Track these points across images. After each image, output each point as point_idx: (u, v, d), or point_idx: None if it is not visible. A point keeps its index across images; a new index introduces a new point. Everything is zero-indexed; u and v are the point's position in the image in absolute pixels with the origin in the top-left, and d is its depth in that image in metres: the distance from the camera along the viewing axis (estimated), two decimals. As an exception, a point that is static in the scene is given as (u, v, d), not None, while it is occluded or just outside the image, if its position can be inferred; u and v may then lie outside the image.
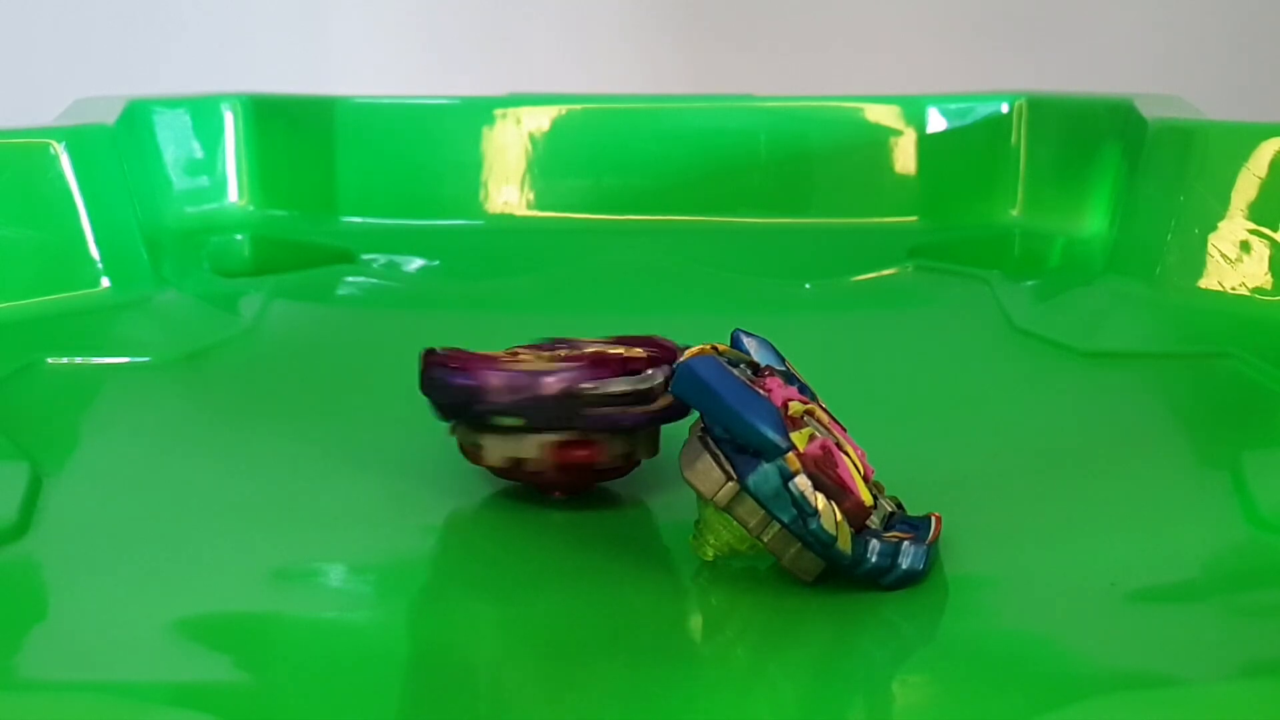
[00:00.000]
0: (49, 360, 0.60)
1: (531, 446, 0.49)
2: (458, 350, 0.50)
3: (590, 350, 0.50)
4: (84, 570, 0.46)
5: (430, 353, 0.50)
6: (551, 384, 0.48)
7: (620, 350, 0.50)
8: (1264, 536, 0.47)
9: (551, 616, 0.43)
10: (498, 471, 0.50)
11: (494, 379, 0.48)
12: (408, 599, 0.46)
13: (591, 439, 0.49)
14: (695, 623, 0.45)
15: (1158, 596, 0.44)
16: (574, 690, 0.40)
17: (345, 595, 0.46)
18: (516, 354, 0.50)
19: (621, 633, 0.43)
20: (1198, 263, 0.65)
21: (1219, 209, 0.65)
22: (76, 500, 0.50)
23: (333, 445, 0.54)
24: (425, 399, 0.50)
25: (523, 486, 0.50)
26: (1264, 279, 0.64)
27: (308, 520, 0.49)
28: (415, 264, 0.75)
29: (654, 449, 0.50)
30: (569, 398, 0.48)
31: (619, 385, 0.48)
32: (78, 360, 0.61)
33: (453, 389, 0.49)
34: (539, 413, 0.48)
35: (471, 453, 0.50)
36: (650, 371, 0.48)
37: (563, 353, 0.50)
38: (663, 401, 0.48)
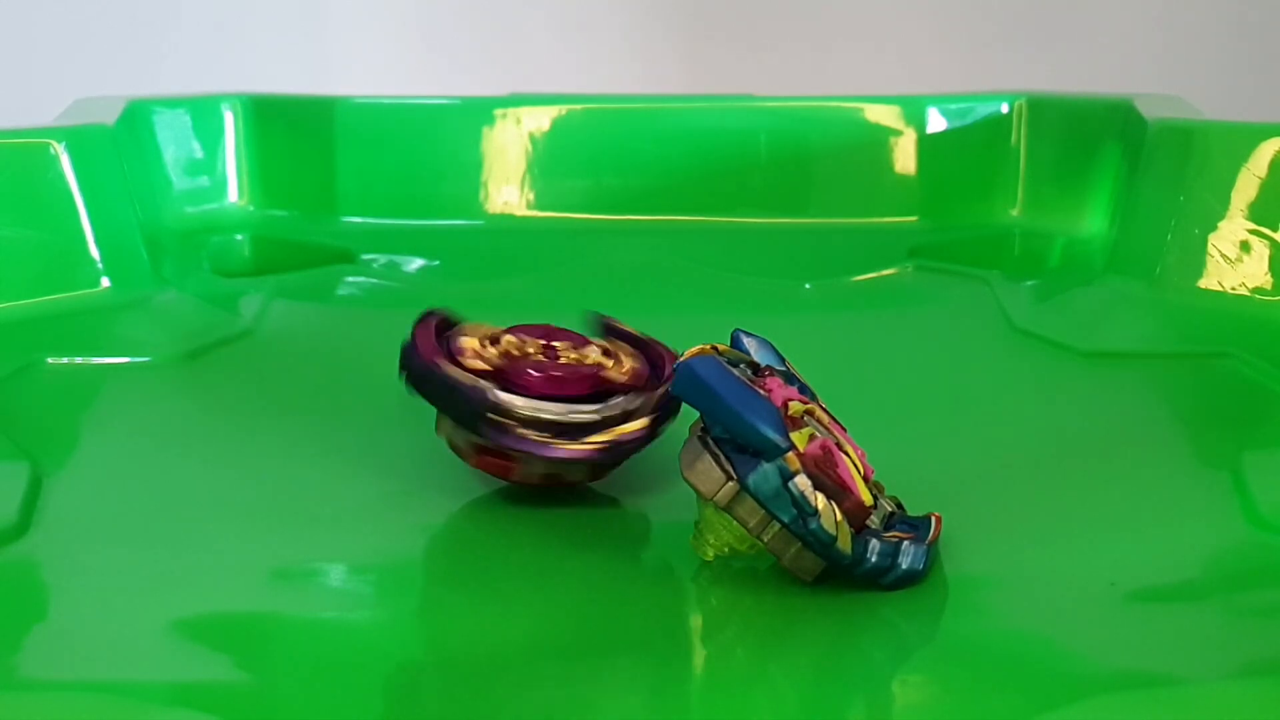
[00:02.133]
0: (49, 360, 0.60)
1: (576, 470, 0.49)
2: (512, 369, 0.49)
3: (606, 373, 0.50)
4: (84, 570, 0.46)
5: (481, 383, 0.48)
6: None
7: (616, 371, 0.50)
8: (1264, 536, 0.47)
9: (550, 616, 0.43)
10: (512, 478, 0.50)
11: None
12: (407, 598, 0.46)
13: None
14: (695, 622, 0.45)
15: (1158, 596, 0.44)
16: (573, 690, 0.40)
17: (345, 595, 0.46)
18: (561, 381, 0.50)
19: (621, 632, 0.43)
20: (1198, 263, 0.65)
21: (1219, 209, 0.65)
22: (76, 500, 0.50)
23: (332, 445, 0.54)
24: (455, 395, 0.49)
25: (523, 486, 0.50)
26: (1264, 279, 0.64)
27: (307, 520, 0.49)
28: (415, 264, 0.75)
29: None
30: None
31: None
32: (78, 360, 0.61)
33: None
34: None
35: (498, 466, 0.49)
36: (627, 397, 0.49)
37: (573, 357, 0.50)
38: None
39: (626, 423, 0.48)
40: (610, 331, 0.52)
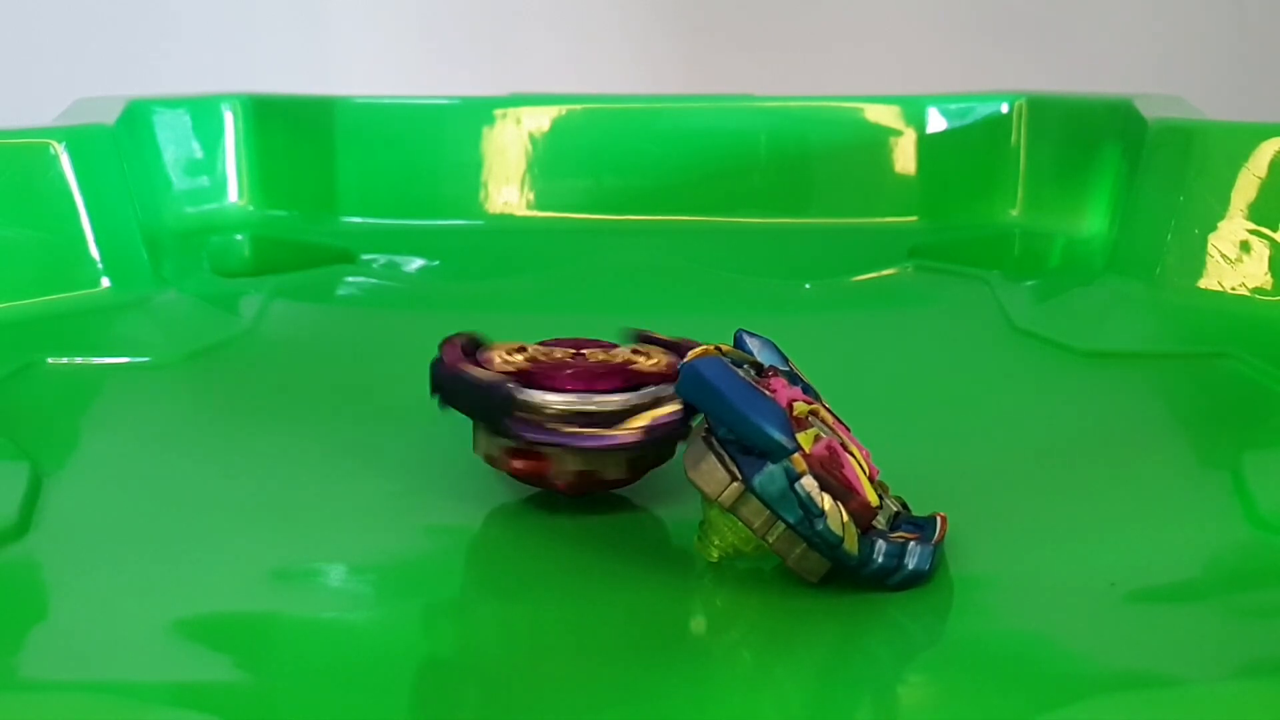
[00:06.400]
0: (49, 360, 0.60)
1: (613, 465, 0.49)
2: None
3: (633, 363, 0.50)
4: (84, 570, 0.46)
5: None
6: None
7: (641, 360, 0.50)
8: (1264, 536, 0.47)
9: (554, 617, 0.43)
10: (548, 480, 0.49)
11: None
12: (408, 599, 0.46)
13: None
14: (700, 624, 0.45)
15: (1158, 596, 0.44)
16: (577, 691, 0.40)
17: (345, 595, 0.46)
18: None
19: (625, 634, 0.43)
20: (1198, 263, 0.65)
21: (1219, 209, 0.65)
22: (76, 500, 0.50)
23: (333, 445, 0.54)
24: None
25: (522, 487, 0.50)
26: (1264, 279, 0.64)
27: (308, 520, 0.49)
28: (415, 264, 0.75)
29: None
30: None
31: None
32: (78, 360, 0.61)
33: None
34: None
35: (532, 468, 0.49)
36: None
37: (600, 358, 0.50)
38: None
39: (657, 408, 0.48)
40: (643, 339, 0.52)
